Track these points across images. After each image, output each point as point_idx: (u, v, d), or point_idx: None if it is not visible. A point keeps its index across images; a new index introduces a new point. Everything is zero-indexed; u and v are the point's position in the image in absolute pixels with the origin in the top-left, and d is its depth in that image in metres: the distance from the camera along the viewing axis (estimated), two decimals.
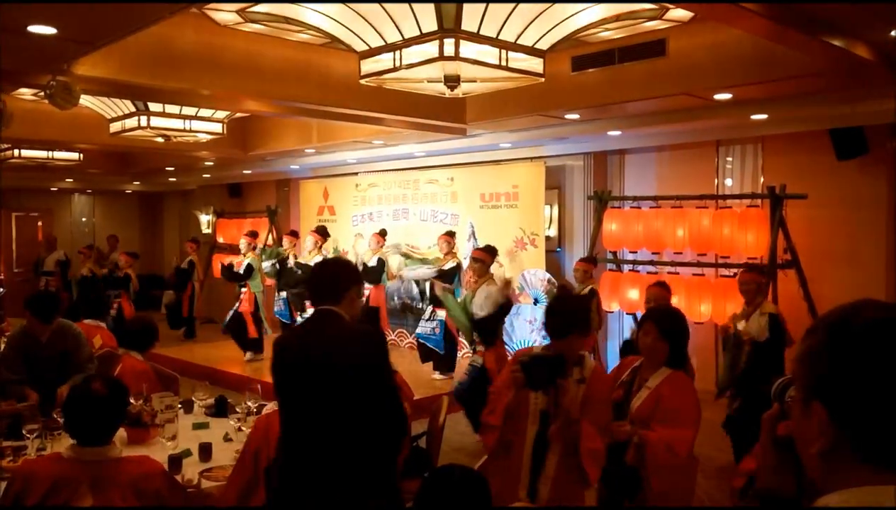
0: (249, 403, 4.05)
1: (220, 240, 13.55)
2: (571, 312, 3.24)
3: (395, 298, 10.14)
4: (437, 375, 8.26)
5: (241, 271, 9.33)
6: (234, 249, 11.22)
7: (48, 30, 4.27)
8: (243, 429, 3.83)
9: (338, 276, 2.95)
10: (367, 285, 9.26)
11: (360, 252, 9.82)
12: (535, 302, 8.62)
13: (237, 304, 9.36)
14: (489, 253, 6.56)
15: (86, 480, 2.60)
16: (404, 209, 10.42)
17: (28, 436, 3.54)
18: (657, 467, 3.11)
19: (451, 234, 8.81)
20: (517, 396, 3.02)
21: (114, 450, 2.74)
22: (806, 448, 1.03)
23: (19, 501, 2.62)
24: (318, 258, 8.74)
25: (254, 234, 9.91)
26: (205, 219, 14.31)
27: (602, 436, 2.98)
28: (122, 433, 3.63)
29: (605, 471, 3.03)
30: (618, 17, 5.42)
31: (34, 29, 4.25)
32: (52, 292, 5.48)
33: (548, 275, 8.62)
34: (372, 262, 9.25)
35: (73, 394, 2.79)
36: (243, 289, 9.42)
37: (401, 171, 10.67)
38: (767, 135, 7.37)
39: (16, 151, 10.03)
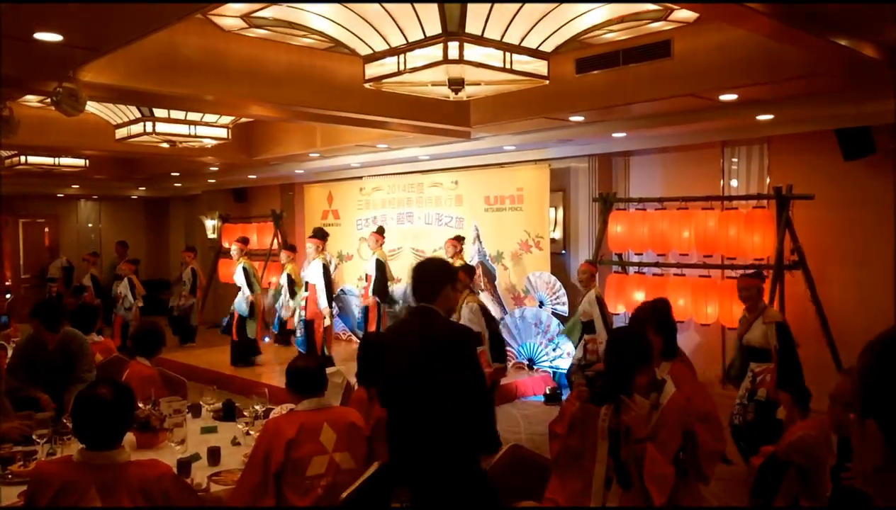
0: (257, 407, 4.06)
1: (226, 244, 13.56)
2: (628, 352, 3.10)
3: (402, 302, 10.14)
4: None
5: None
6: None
7: (54, 37, 4.29)
8: (251, 433, 3.84)
9: (433, 277, 3.37)
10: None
11: (364, 257, 9.83)
12: (541, 304, 8.62)
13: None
14: (466, 272, 6.55)
15: (94, 484, 2.61)
16: (409, 213, 10.42)
17: (38, 440, 3.55)
18: (708, 453, 3.15)
19: (458, 239, 8.78)
20: (583, 409, 3.04)
21: (122, 454, 2.74)
22: (862, 464, 1.04)
23: (31, 504, 2.64)
24: (317, 262, 8.74)
25: (244, 241, 10.02)
26: (210, 223, 14.34)
27: (671, 464, 2.96)
28: (130, 437, 3.64)
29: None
30: (622, 19, 5.41)
31: (40, 36, 4.27)
32: (57, 301, 5.53)
33: (553, 278, 8.62)
34: (370, 265, 9.28)
35: (79, 399, 2.80)
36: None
37: (405, 175, 10.67)
38: (773, 135, 7.35)
39: (22, 158, 10.05)
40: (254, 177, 12.55)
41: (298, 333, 8.93)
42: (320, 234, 9.01)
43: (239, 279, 9.46)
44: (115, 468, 2.67)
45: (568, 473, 3.15)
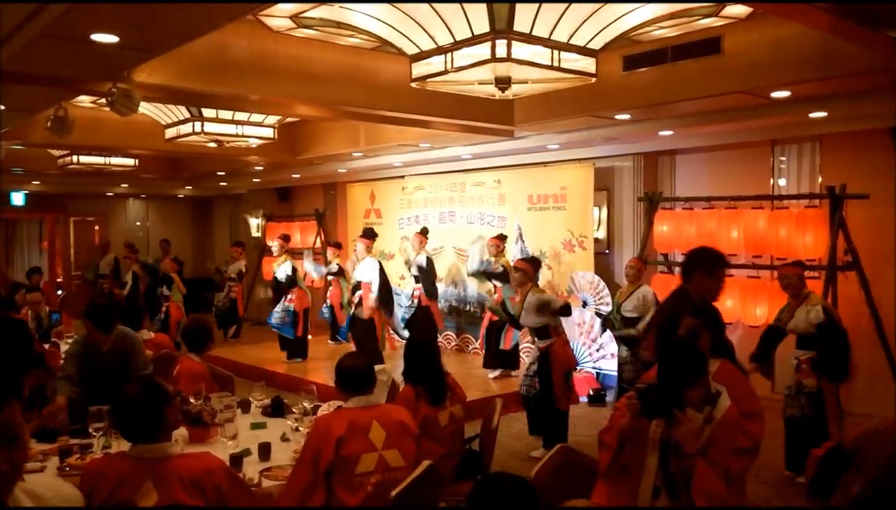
0: (305, 404, 4.09)
1: (270, 243, 13.76)
2: (682, 366, 3.01)
3: (443, 301, 10.15)
4: (495, 374, 8.36)
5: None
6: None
7: (110, 38, 4.38)
8: (300, 429, 3.87)
9: (687, 262, 4.09)
10: (418, 285, 9.38)
11: (409, 255, 9.88)
12: (584, 305, 8.54)
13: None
14: (531, 264, 6.52)
15: (149, 476, 2.67)
16: (451, 212, 10.42)
17: (94, 433, 3.63)
18: (735, 450, 3.09)
19: (501, 237, 8.79)
20: (632, 422, 2.97)
21: (174, 447, 2.82)
22: None
23: (89, 500, 2.69)
24: (370, 260, 8.87)
25: (286, 237, 10.19)
26: (254, 222, 14.54)
27: (721, 479, 2.90)
28: (183, 432, 3.71)
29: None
30: (672, 16, 5.33)
31: (97, 37, 4.36)
32: (108, 302, 5.66)
33: (597, 278, 8.53)
34: (420, 262, 9.34)
35: (112, 398, 2.89)
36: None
37: (447, 174, 10.67)
38: (825, 133, 7.17)
39: (74, 157, 10.32)
40: (297, 176, 12.69)
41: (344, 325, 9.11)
42: (370, 234, 9.14)
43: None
44: (168, 460, 2.73)
45: (617, 484, 3.10)
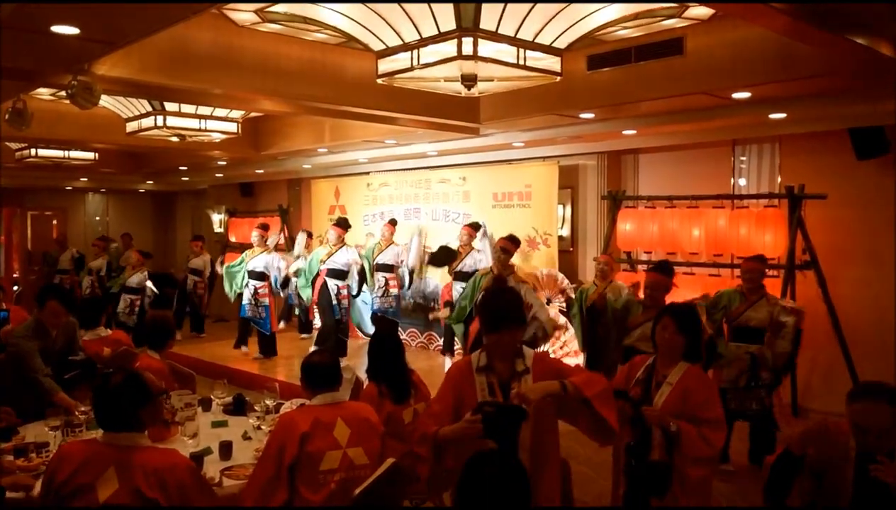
0: (268, 402, 4.06)
1: (233, 239, 13.62)
2: (503, 305, 3.06)
3: (408, 297, 10.14)
4: None
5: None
6: (245, 248, 11.24)
7: (71, 30, 4.28)
8: (262, 427, 3.84)
9: None
10: (388, 275, 9.41)
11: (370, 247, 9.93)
12: (548, 302, 8.61)
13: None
14: (513, 243, 6.55)
15: (113, 463, 2.69)
16: (416, 208, 10.41)
17: (51, 432, 3.57)
18: (695, 458, 3.10)
19: (474, 226, 8.79)
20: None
21: (144, 439, 2.83)
22: None
23: (52, 478, 2.73)
24: (348, 250, 8.85)
25: (265, 227, 10.02)
26: (217, 218, 14.34)
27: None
28: None
29: (632, 467, 3.00)
30: (636, 16, 5.39)
31: (57, 29, 4.27)
32: (70, 293, 5.66)
33: (561, 275, 8.60)
34: (388, 258, 9.38)
35: (97, 386, 2.92)
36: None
37: (412, 171, 10.67)
38: (785, 134, 7.31)
39: (32, 151, 10.08)
40: (261, 171, 12.57)
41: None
42: (344, 224, 9.18)
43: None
44: (136, 450, 2.75)
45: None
